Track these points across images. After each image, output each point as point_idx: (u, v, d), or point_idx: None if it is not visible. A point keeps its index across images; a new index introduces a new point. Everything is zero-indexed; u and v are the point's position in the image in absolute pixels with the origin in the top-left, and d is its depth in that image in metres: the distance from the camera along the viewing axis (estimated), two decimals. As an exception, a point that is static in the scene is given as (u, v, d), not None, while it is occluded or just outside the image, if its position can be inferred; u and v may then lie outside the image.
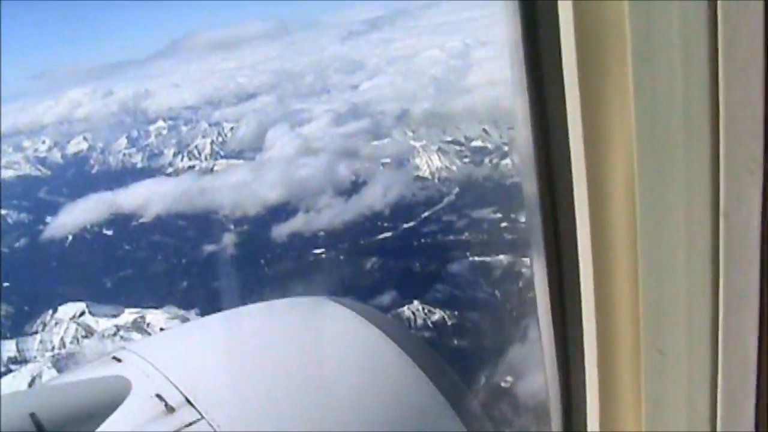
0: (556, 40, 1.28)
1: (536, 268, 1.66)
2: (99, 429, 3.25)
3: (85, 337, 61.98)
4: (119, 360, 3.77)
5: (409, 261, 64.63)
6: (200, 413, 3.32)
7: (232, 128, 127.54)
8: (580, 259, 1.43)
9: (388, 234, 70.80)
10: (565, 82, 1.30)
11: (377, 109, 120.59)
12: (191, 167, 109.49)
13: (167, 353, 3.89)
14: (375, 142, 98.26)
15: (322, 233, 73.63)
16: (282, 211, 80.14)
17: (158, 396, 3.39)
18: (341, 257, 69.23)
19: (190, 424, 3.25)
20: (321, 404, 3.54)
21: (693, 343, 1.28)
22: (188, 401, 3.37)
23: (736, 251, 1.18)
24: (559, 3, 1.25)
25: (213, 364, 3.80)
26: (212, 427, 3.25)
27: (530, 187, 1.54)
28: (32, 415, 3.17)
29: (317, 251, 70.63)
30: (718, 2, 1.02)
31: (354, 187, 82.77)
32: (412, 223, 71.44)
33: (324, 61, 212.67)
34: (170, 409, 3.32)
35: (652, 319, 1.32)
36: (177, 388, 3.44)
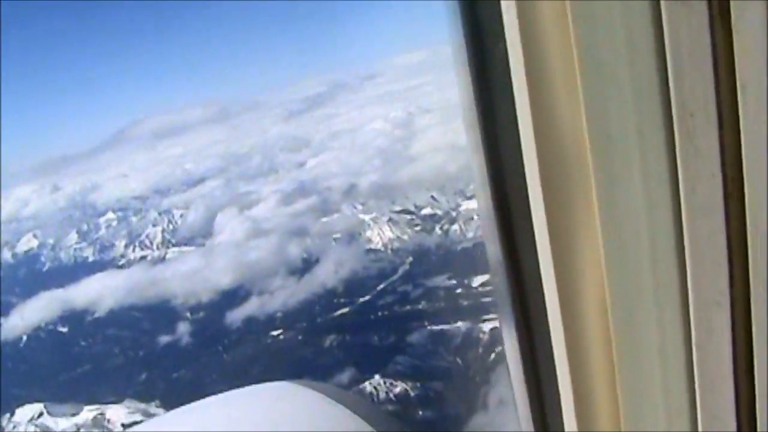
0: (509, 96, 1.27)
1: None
2: None
3: (44, 439, 60.87)
4: None
5: (367, 335, 64.49)
6: None
7: (182, 215, 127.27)
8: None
9: (345, 310, 70.59)
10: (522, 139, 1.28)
11: (324, 185, 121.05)
12: (143, 257, 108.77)
13: None
14: (324, 219, 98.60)
15: (278, 314, 73.33)
16: (235, 295, 79.75)
17: None
18: (299, 337, 68.85)
19: None
20: None
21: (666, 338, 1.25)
22: None
23: (710, 380, 1.21)
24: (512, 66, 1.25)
25: None
26: None
27: (493, 249, 1.56)
28: None
29: (275, 333, 70.18)
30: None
31: (306, 266, 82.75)
32: (367, 297, 71.31)
33: (269, 142, 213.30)
34: None
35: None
36: None
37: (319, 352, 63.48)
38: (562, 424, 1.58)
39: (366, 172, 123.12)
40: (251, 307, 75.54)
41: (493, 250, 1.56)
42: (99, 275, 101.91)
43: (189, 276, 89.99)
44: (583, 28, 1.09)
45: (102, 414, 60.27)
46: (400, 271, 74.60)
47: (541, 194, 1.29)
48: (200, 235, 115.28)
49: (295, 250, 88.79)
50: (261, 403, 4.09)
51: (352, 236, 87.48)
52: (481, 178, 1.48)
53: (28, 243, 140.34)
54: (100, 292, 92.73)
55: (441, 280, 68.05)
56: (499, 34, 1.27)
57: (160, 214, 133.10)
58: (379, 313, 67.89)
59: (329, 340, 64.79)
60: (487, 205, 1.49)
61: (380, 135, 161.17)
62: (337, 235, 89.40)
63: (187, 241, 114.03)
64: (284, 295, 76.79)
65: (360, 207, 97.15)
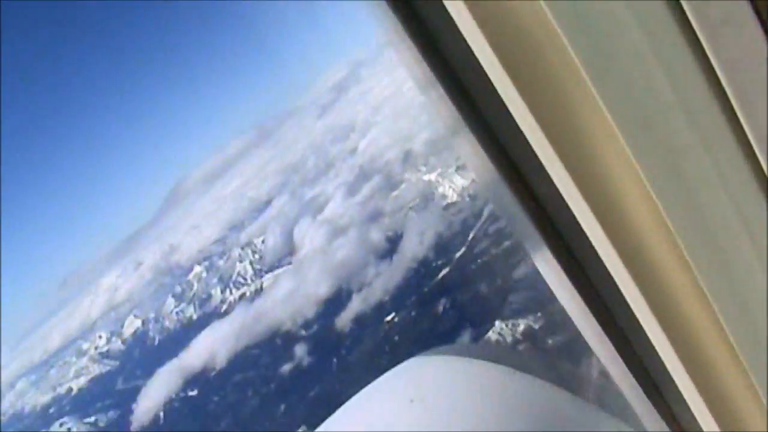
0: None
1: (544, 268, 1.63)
2: None
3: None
4: None
5: (474, 286, 63.67)
6: None
7: (263, 241, 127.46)
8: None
9: (445, 270, 69.74)
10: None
11: (382, 162, 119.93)
12: (242, 296, 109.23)
13: None
14: (394, 193, 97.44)
15: (386, 299, 72.65)
16: (338, 299, 79.52)
17: None
18: (412, 313, 68.20)
19: None
20: None
21: None
22: None
23: None
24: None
25: None
26: None
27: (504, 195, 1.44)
28: None
29: (388, 318, 69.58)
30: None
31: (393, 245, 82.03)
32: (462, 250, 70.22)
33: (316, 140, 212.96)
34: None
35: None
36: None
37: (435, 319, 62.67)
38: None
39: (416, 133, 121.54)
40: (356, 304, 75.23)
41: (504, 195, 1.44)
42: (205, 332, 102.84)
43: (288, 298, 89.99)
44: None
45: None
46: (485, 213, 73.24)
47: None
48: (286, 255, 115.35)
49: (377, 235, 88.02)
50: (404, 384, 4.06)
51: (427, 199, 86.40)
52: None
53: (131, 325, 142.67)
54: (211, 346, 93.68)
55: (528, 203, 66.56)
56: None
57: (243, 248, 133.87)
58: (479, 261, 66.76)
59: (441, 305, 64.17)
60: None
61: (418, 91, 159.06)
62: (412, 204, 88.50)
63: (276, 265, 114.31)
64: (383, 280, 76.42)
65: (423, 168, 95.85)
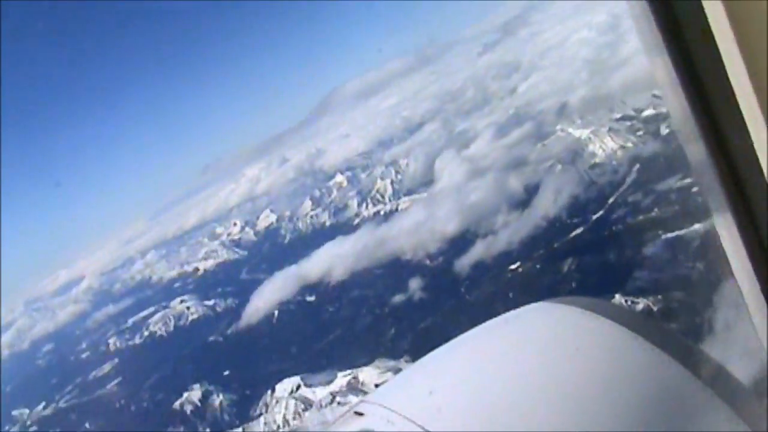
0: None
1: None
2: None
3: (305, 410, 62.86)
4: (361, 414, 3.47)
5: (603, 253, 62.54)
6: None
7: (407, 164, 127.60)
8: None
9: (579, 230, 68.76)
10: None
11: (537, 109, 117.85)
12: (377, 213, 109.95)
13: (405, 396, 3.55)
14: (542, 143, 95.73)
15: (515, 246, 72.16)
16: (462, 240, 79.79)
17: None
18: (537, 266, 67.54)
19: None
20: (581, 412, 3.12)
21: None
22: None
23: None
24: None
25: (454, 397, 3.37)
26: None
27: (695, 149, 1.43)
28: None
29: (512, 266, 69.13)
30: None
31: (530, 193, 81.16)
32: (600, 213, 69.05)
33: (478, 72, 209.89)
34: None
35: None
36: (424, 429, 3.15)
37: (558, 277, 62.18)
38: None
39: (576, 86, 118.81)
40: (479, 248, 75.00)
41: (695, 150, 1.44)
42: (330, 243, 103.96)
43: (414, 229, 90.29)
44: None
45: (355, 378, 61.69)
46: (628, 181, 71.63)
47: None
48: (423, 183, 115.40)
49: (515, 183, 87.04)
50: (522, 325, 3.85)
51: (574, 155, 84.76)
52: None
53: (266, 219, 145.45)
54: (332, 259, 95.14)
55: (673, 182, 64.44)
56: None
57: (386, 166, 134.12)
58: (613, 228, 65.60)
59: (567, 264, 63.56)
60: (683, 106, 1.39)
61: (585, 45, 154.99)
62: (558, 157, 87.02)
63: (412, 191, 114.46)
64: (512, 229, 75.88)
65: (578, 122, 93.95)
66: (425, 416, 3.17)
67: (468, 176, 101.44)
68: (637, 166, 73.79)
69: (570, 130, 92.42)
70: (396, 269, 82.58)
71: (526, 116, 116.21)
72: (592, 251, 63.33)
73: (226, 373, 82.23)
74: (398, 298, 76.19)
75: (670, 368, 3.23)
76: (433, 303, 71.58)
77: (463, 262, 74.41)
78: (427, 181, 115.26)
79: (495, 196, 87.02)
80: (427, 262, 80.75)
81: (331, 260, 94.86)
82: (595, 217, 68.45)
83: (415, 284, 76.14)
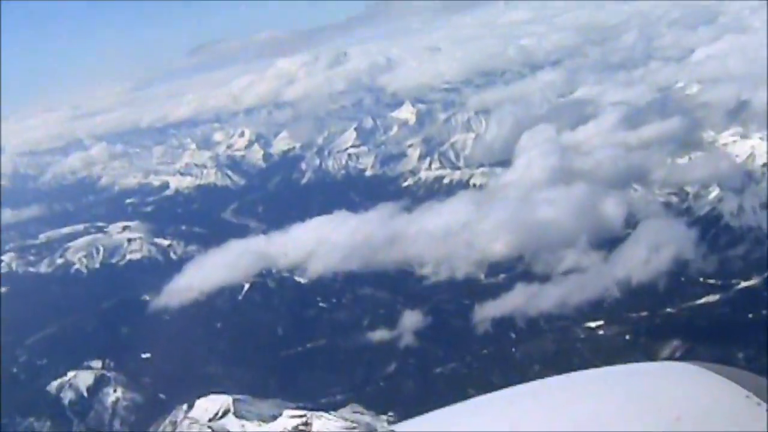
0: None
1: None
2: None
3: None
4: None
5: (739, 339, 46.20)
6: None
7: (486, 126, 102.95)
8: None
9: (712, 297, 51.93)
10: None
11: (701, 99, 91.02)
12: (439, 179, 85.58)
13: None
14: (691, 155, 74.05)
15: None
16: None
17: None
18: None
19: None
20: None
21: None
22: None
23: None
24: None
25: None
26: None
27: None
28: None
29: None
30: None
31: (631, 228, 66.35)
32: (753, 280, 54.86)
33: (654, 9, 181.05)
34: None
35: None
36: None
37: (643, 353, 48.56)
38: None
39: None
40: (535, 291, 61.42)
41: None
42: (322, 219, 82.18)
43: (447, 233, 65.77)
44: None
45: (306, 424, 44.87)
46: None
47: None
48: (498, 162, 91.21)
49: (615, 209, 66.83)
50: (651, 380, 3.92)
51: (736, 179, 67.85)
52: None
53: (286, 140, 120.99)
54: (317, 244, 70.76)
55: None
56: None
57: (476, 113, 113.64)
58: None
59: (671, 347, 50.18)
60: None
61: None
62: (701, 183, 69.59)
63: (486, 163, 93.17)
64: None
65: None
66: None
67: (553, 174, 76.17)
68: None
69: (737, 142, 67.96)
70: (398, 286, 62.80)
71: (680, 105, 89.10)
72: (723, 333, 46.02)
73: (146, 356, 61.84)
74: (380, 335, 59.21)
75: None
76: (429, 353, 55.67)
77: (492, 308, 56.71)
78: (502, 159, 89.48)
79: (577, 219, 63.17)
80: (444, 295, 61.06)
81: (318, 243, 69.79)
82: (744, 284, 50.07)
83: (410, 321, 57.63)
